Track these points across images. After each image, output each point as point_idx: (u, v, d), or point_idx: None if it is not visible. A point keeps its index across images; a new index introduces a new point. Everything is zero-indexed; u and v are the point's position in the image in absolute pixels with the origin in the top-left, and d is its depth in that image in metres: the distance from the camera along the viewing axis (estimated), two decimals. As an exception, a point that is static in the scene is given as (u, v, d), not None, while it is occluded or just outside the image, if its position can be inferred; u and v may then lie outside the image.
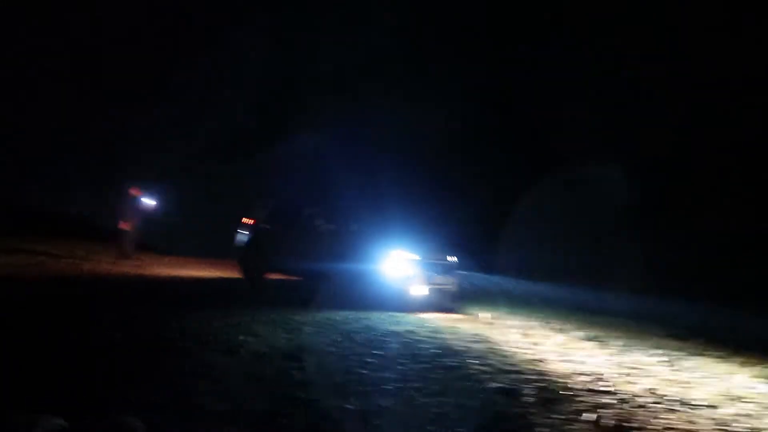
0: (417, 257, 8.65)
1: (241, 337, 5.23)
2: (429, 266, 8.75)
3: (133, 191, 12.61)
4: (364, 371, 4.45)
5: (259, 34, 18.38)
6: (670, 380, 5.12)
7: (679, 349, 6.79)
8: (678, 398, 4.44)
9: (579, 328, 7.96)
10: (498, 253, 15.48)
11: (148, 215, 12.91)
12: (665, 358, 6.14)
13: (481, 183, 17.83)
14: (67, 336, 4.84)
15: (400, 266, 8.49)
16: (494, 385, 4.36)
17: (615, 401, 4.26)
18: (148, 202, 12.82)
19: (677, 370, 5.57)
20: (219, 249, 13.32)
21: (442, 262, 9.11)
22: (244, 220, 10.89)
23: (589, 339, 7.16)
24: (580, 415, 3.84)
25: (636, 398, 4.38)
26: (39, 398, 3.23)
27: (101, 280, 8.88)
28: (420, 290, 8.57)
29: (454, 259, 9.38)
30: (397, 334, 6.16)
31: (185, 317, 5.92)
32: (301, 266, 9.58)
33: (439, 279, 8.89)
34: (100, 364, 4.15)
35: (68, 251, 12.93)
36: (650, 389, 4.70)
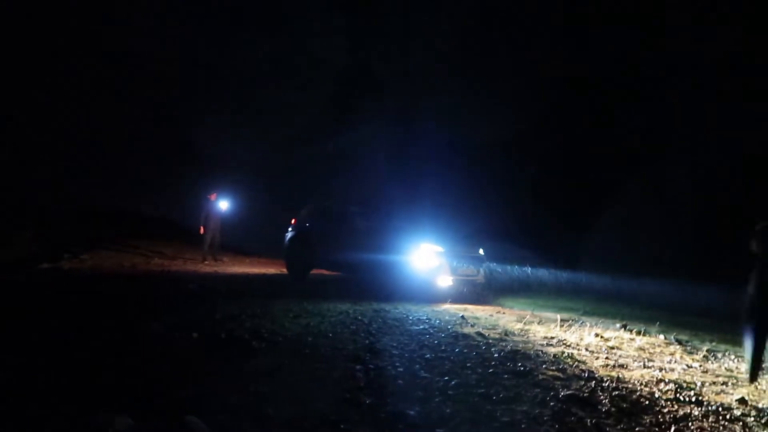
0: (442, 249, 8.94)
1: (310, 339, 5.33)
2: (455, 258, 9.03)
3: (211, 196, 13.18)
4: (428, 375, 4.40)
5: (333, 35, 18.70)
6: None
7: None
8: (775, 412, 4.06)
9: (663, 330, 7.47)
10: (576, 249, 14.89)
11: (224, 217, 13.46)
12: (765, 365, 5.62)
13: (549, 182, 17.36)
14: (147, 334, 5.14)
15: (426, 258, 8.78)
16: (567, 392, 4.17)
17: (701, 413, 3.95)
18: (223, 204, 13.36)
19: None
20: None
21: (469, 254, 9.37)
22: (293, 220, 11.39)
23: (675, 343, 6.70)
24: (661, 428, 3.59)
25: (726, 411, 4.05)
26: (112, 397, 3.44)
27: (185, 280, 9.39)
28: (445, 281, 8.87)
29: (482, 252, 9.62)
30: (465, 336, 6.05)
31: (257, 317, 6.12)
32: (337, 261, 10.01)
33: (465, 270, 9.16)
34: (175, 363, 4.37)
35: (159, 252, 13.84)
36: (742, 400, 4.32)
